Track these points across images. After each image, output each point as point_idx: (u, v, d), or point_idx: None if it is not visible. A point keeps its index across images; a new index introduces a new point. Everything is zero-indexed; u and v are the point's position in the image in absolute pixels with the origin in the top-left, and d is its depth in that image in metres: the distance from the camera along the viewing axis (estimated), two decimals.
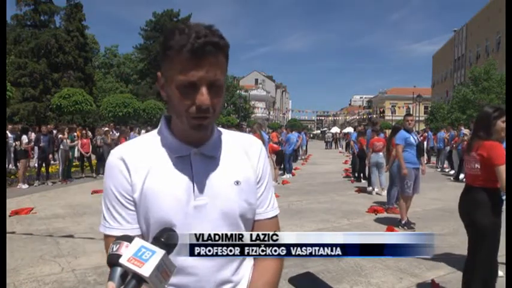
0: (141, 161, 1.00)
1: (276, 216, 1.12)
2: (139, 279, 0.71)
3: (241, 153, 1.09)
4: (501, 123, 3.03)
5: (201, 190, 1.00)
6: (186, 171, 1.01)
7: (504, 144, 3.19)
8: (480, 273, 3.04)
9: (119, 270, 0.74)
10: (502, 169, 2.88)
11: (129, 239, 0.76)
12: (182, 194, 0.99)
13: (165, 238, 0.78)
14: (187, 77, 0.90)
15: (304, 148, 21.62)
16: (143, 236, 0.99)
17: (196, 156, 1.02)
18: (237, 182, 1.04)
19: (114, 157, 1.02)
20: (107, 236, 1.01)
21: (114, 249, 0.75)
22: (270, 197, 1.12)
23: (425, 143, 15.94)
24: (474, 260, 3.07)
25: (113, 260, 0.74)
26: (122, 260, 0.72)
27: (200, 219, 0.99)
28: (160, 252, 0.73)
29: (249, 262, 1.08)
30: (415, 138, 6.49)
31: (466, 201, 3.19)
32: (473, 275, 3.07)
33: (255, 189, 1.08)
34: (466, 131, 11.86)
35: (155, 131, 1.08)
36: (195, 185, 1.00)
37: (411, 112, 21.90)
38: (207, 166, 1.03)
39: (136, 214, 1.00)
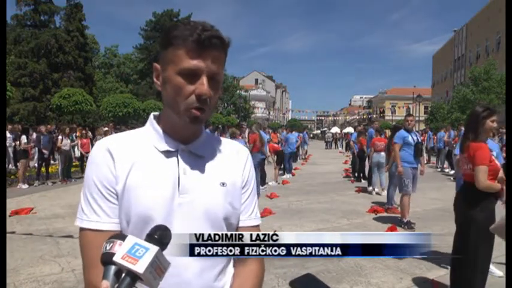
0: (127, 153, 0.98)
1: (258, 225, 1.12)
2: (134, 276, 0.71)
3: (228, 157, 1.09)
4: (490, 123, 3.11)
5: (186, 187, 0.98)
6: (172, 166, 0.99)
7: (489, 143, 3.29)
8: (479, 269, 3.10)
9: (113, 268, 0.73)
10: (480, 169, 3.00)
11: (122, 237, 0.76)
12: (167, 189, 0.97)
13: (159, 235, 0.77)
14: (191, 64, 0.91)
15: (306, 148, 21.76)
16: (122, 232, 0.96)
17: (184, 153, 1.01)
18: (223, 184, 1.03)
19: (99, 148, 0.99)
20: (82, 230, 0.96)
21: (108, 248, 0.75)
22: (253, 205, 1.12)
23: (424, 143, 15.93)
24: (473, 257, 3.12)
25: (107, 259, 0.74)
26: (115, 258, 0.72)
27: (183, 217, 0.96)
28: (154, 249, 0.73)
29: (231, 269, 1.07)
30: (415, 138, 6.49)
31: (462, 199, 3.30)
32: (472, 271, 3.12)
33: (240, 193, 1.07)
34: None
35: (144, 127, 1.07)
36: (180, 181, 0.98)
37: (411, 112, 21.88)
38: (194, 164, 1.01)
39: (117, 208, 0.97)
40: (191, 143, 1.03)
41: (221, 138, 1.16)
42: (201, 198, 0.99)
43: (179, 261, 0.93)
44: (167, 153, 1.00)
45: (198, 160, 1.03)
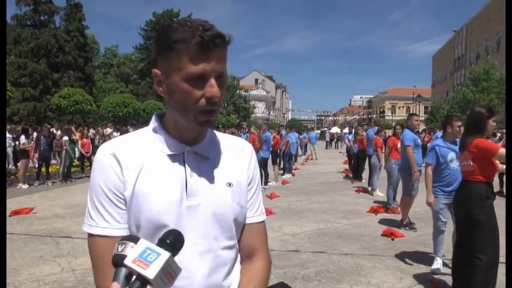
0: (133, 157, 0.97)
1: (264, 221, 1.12)
2: (144, 280, 0.71)
3: (234, 156, 1.08)
4: (491, 122, 3.34)
5: (194, 190, 0.97)
6: (179, 169, 0.98)
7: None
8: (485, 268, 3.12)
9: (123, 271, 0.74)
10: (501, 152, 3.18)
11: (134, 239, 0.76)
12: (175, 193, 0.96)
13: (171, 240, 0.77)
14: (197, 68, 0.89)
15: (314, 148, 21.91)
16: None
17: (190, 155, 1.00)
18: (230, 184, 1.02)
19: (105, 152, 0.97)
20: (91, 236, 0.95)
21: (120, 250, 0.75)
22: (259, 201, 1.12)
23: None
24: (478, 255, 3.13)
25: (118, 261, 0.74)
26: (126, 261, 0.72)
27: (193, 220, 0.96)
28: (165, 255, 0.73)
29: (238, 266, 1.08)
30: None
31: (461, 194, 3.40)
32: (474, 270, 3.14)
33: (246, 191, 1.07)
34: None
35: (147, 128, 1.05)
36: (187, 184, 0.97)
37: (411, 112, 21.82)
38: (200, 166, 1.00)
39: (125, 213, 0.96)
40: (196, 144, 1.02)
41: (225, 135, 1.15)
42: (209, 201, 0.98)
43: (189, 264, 0.94)
44: (173, 156, 0.99)
45: (204, 161, 1.02)
